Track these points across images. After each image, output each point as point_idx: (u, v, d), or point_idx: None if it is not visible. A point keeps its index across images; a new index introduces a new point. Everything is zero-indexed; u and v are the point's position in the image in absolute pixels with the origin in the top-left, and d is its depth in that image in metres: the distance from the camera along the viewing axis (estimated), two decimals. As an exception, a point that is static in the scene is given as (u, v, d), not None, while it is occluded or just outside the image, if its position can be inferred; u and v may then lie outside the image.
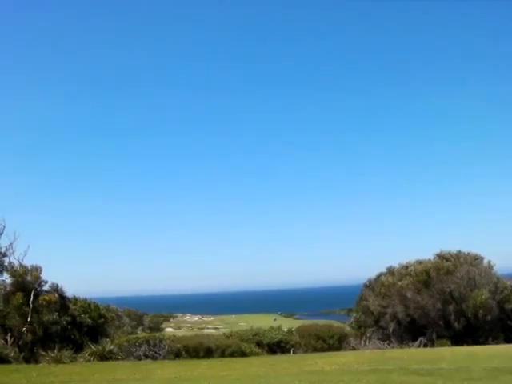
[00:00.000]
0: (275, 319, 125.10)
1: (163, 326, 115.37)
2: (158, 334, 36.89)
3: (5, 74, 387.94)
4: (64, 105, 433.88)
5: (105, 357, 29.08)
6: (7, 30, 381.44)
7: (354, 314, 43.05)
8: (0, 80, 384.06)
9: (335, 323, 53.44)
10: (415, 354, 25.36)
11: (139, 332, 58.69)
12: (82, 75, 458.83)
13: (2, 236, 33.05)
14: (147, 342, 31.20)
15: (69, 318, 34.42)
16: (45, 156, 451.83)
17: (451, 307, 35.53)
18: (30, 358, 29.95)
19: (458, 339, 33.83)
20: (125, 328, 55.78)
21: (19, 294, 32.21)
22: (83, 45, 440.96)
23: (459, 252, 38.70)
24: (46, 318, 33.06)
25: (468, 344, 31.95)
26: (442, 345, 32.79)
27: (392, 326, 36.85)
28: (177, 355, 31.30)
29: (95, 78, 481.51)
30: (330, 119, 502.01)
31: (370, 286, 41.02)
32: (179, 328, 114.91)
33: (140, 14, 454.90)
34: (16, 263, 33.46)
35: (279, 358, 29.85)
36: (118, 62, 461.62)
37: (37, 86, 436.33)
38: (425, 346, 33.47)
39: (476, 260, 38.24)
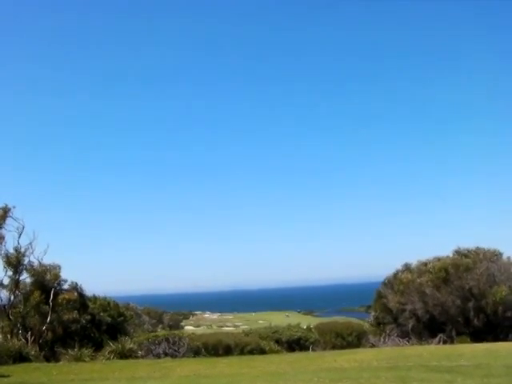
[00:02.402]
0: (287, 315, 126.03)
1: (183, 323, 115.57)
2: (177, 332, 37.09)
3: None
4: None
5: (124, 355, 29.24)
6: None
7: (373, 312, 42.91)
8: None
9: (354, 320, 53.29)
10: (434, 351, 25.25)
11: (159, 330, 58.80)
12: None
13: (22, 235, 33.28)
14: (167, 339, 31.36)
15: (88, 317, 34.58)
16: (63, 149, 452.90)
17: (471, 304, 35.34)
18: (51, 356, 30.17)
19: (478, 336, 33.62)
20: (144, 326, 55.92)
21: (37, 293, 32.41)
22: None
23: (478, 248, 38.48)
24: (66, 316, 33.24)
25: (488, 341, 31.72)
26: (461, 342, 32.64)
27: (411, 323, 36.69)
28: (196, 353, 31.42)
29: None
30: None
31: (389, 283, 40.85)
32: (198, 326, 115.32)
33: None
34: (35, 262, 33.69)
35: (298, 356, 29.84)
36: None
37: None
38: (444, 342, 33.31)
39: (495, 256, 37.99)
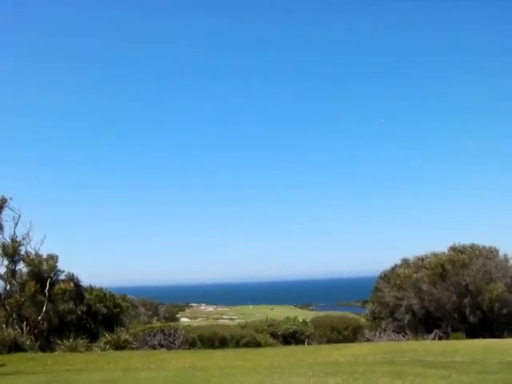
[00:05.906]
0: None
1: (178, 315, 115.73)
2: (173, 324, 37.07)
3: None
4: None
5: (120, 346, 29.24)
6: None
7: (369, 306, 42.93)
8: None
9: (350, 315, 53.33)
10: (430, 347, 25.22)
11: (154, 322, 58.84)
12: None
13: (18, 225, 33.17)
14: (162, 331, 31.35)
15: (84, 307, 34.59)
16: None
17: (467, 300, 35.31)
18: (46, 346, 30.11)
19: (473, 332, 33.59)
20: (140, 317, 55.99)
21: (33, 283, 32.34)
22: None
23: (474, 245, 38.44)
24: (62, 307, 33.23)
25: (483, 337, 31.72)
26: (456, 338, 32.59)
27: (407, 318, 36.71)
28: (191, 345, 31.43)
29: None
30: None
31: (386, 277, 40.86)
32: (194, 318, 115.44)
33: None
34: (32, 252, 33.59)
35: (293, 349, 29.85)
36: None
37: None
38: (440, 338, 33.31)
39: (492, 253, 37.95)
